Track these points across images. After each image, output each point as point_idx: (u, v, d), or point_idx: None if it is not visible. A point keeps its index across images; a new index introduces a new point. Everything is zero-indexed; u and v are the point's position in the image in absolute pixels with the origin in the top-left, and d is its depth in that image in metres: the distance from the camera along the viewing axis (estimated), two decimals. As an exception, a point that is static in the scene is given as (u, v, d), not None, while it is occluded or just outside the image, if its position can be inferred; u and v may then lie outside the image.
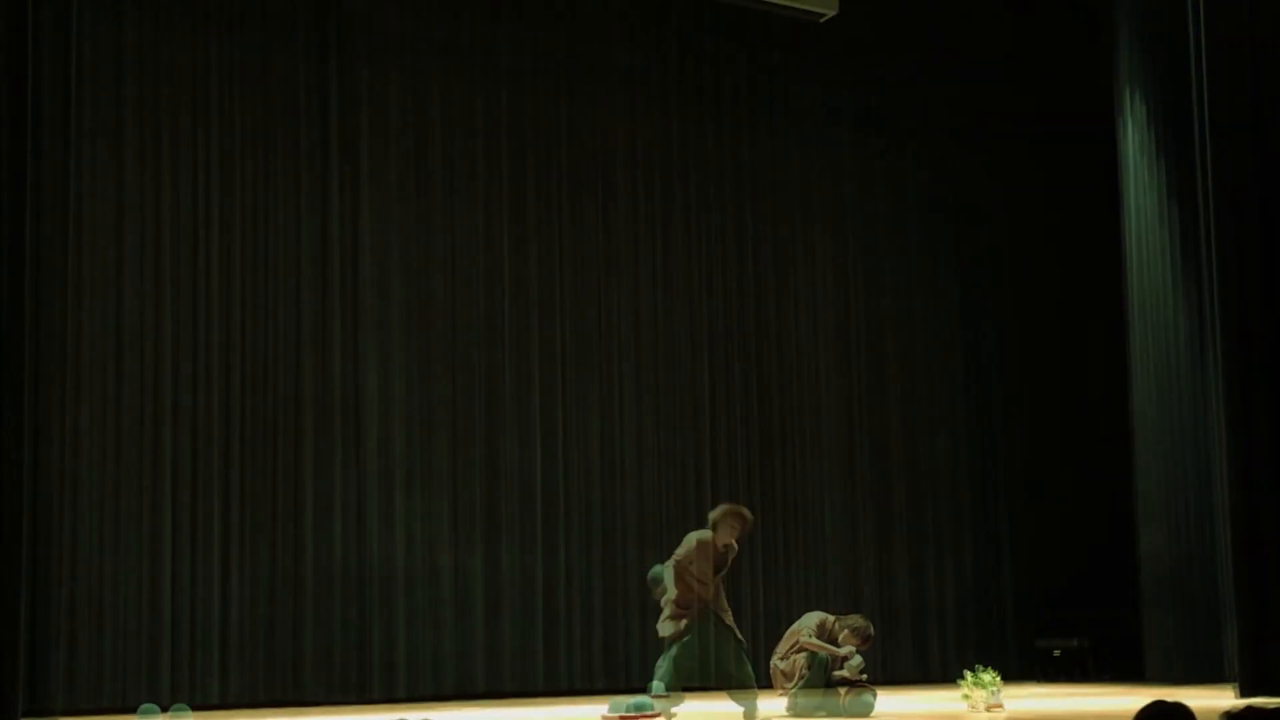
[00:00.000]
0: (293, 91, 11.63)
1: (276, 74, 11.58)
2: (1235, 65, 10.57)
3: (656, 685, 11.20)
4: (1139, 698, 10.16)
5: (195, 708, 10.58)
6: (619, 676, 12.20)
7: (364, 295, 11.71)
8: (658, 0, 13.29)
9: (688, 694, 9.16)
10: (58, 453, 10.46)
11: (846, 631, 9.74)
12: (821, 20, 13.13)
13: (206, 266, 11.17)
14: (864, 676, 9.70)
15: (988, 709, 9.71)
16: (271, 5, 11.68)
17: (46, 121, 10.36)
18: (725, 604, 9.29)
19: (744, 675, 9.19)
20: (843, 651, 9.59)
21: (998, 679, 9.85)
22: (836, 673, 9.63)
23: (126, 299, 10.90)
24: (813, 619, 9.85)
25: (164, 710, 9.57)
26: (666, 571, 9.22)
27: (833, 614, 10.03)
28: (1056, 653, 13.49)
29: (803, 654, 9.55)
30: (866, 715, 9.48)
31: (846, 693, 9.58)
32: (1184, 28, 11.26)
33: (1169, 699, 3.74)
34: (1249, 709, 3.58)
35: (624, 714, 9.38)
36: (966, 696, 9.86)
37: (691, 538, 9.30)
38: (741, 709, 9.12)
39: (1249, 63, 10.55)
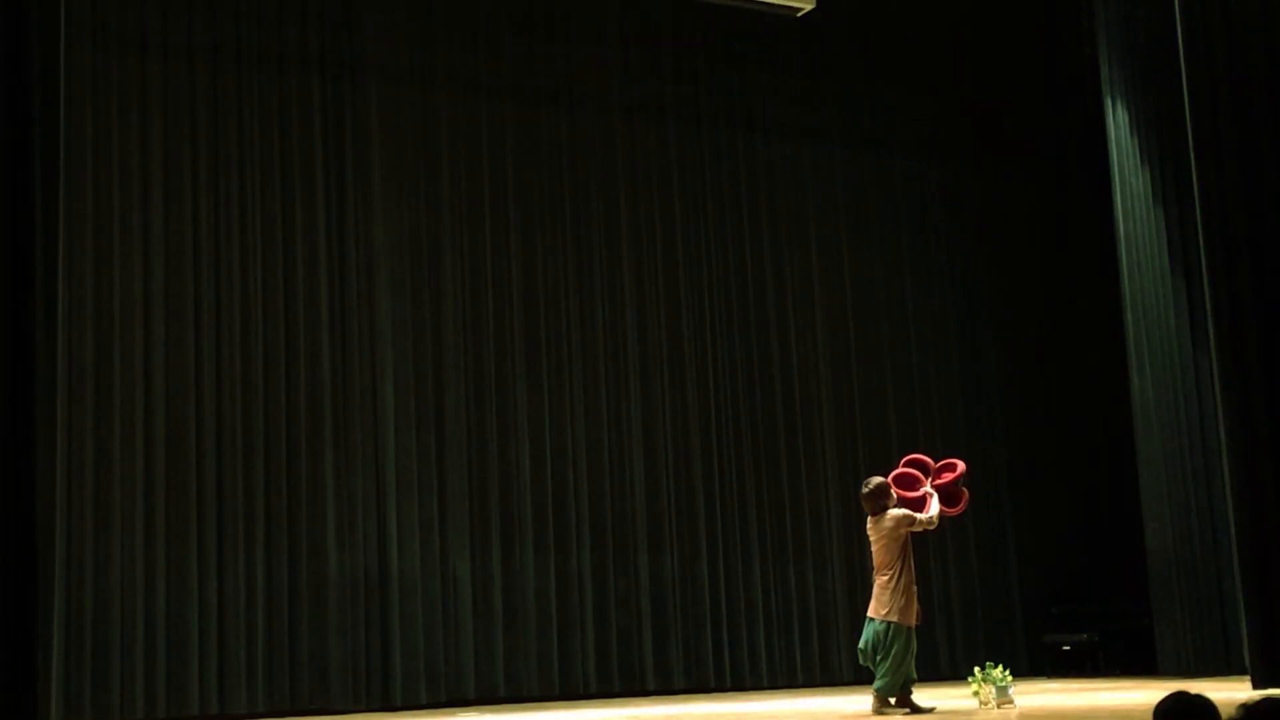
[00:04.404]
0: (308, 118, 11.96)
1: (293, 101, 11.93)
2: (1215, 70, 10.76)
3: None
4: (1151, 692, 10.28)
5: (222, 716, 10.82)
6: (635, 679, 12.38)
7: (379, 311, 11.94)
8: (652, 28, 13.57)
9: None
10: (90, 468, 10.71)
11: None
12: (798, 15, 13.21)
13: (228, 289, 11.44)
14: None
15: (999, 705, 9.70)
16: (287, 37, 12.00)
17: (75, 150, 10.66)
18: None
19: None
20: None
21: (1008, 675, 9.81)
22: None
23: (154, 319, 11.16)
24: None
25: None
26: None
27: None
28: (1066, 647, 13.61)
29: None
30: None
31: None
32: (1163, 37, 11.52)
33: (1189, 690, 3.76)
34: (1267, 700, 3.58)
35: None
36: (977, 693, 9.86)
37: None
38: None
39: (1229, 68, 10.74)
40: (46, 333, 8.11)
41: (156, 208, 11.34)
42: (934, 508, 9.80)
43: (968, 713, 9.75)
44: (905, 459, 10.24)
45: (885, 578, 9.68)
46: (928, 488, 9.93)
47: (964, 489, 10.07)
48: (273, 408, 11.44)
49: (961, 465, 10.11)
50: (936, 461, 10.21)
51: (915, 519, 9.71)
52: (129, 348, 11.05)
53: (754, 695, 12.34)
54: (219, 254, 11.47)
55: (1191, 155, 10.84)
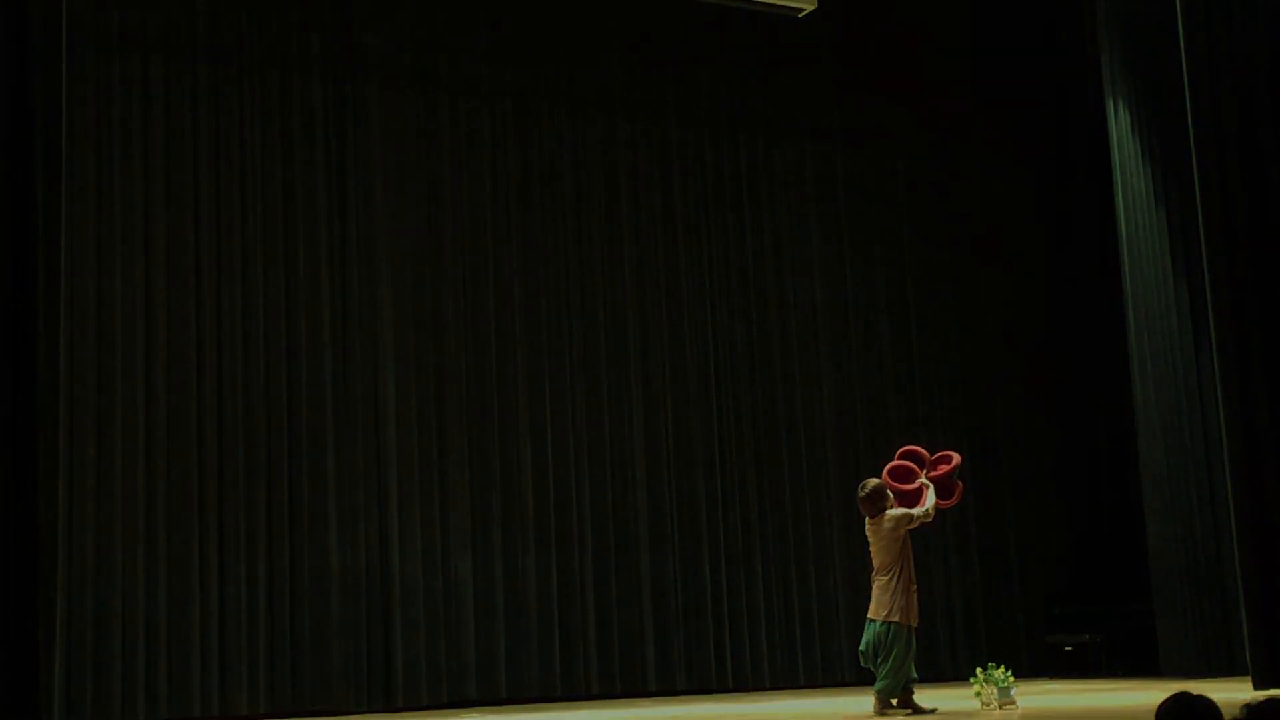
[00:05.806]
0: (308, 118, 12.00)
1: (293, 101, 11.97)
2: (1217, 70, 10.78)
3: None
4: (1153, 692, 10.27)
5: (224, 716, 10.84)
6: (637, 680, 12.39)
7: (381, 312, 11.97)
8: (652, 28, 13.59)
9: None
10: (92, 468, 10.75)
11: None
12: (800, 15, 13.20)
13: (229, 289, 11.48)
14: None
15: (1001, 706, 9.67)
16: (287, 37, 12.04)
17: (77, 151, 10.72)
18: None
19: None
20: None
21: (1010, 676, 9.78)
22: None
23: (155, 319, 11.20)
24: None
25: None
26: None
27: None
28: (1068, 648, 13.61)
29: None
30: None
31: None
32: (1165, 37, 11.54)
33: (1191, 691, 3.75)
34: (1269, 701, 3.58)
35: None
36: (979, 694, 9.82)
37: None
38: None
39: (1230, 68, 10.76)
40: (48, 334, 8.14)
41: (158, 208, 11.38)
42: (930, 500, 9.81)
43: (970, 713, 9.73)
44: (901, 451, 10.24)
45: (885, 579, 9.68)
46: (923, 479, 9.94)
47: (959, 481, 10.09)
48: (274, 408, 11.47)
49: (957, 457, 10.11)
50: (932, 454, 10.21)
51: (913, 516, 9.71)
52: (131, 348, 11.08)
53: (756, 696, 12.36)
54: (220, 254, 11.50)
55: (1193, 155, 10.86)
